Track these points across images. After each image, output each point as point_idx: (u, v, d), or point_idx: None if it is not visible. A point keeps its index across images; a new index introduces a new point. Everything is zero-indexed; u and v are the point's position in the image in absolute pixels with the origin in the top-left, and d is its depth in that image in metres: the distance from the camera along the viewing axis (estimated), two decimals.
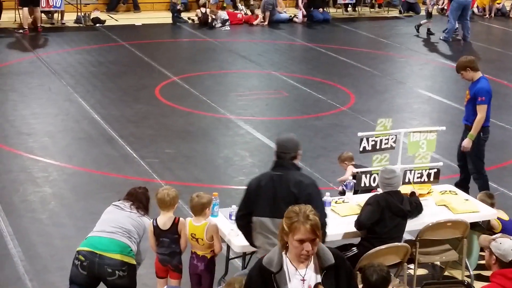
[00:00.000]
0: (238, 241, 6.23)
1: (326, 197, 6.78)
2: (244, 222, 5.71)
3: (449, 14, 18.36)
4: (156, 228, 6.19)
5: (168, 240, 6.19)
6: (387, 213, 6.29)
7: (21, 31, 17.17)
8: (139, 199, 6.35)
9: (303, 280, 4.34)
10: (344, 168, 8.23)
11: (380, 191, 6.55)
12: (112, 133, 10.94)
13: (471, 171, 8.54)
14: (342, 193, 7.78)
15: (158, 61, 15.23)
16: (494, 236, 5.21)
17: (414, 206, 6.52)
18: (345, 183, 7.66)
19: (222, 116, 11.93)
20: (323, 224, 5.03)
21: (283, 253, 4.37)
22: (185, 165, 9.95)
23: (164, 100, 12.70)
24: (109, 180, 9.34)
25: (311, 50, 17.13)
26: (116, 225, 6.11)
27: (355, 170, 7.67)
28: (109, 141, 10.65)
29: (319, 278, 4.38)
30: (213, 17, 19.05)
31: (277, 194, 5.46)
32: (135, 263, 6.14)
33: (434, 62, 16.41)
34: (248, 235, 5.74)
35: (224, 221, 6.55)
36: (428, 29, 18.83)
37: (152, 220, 6.23)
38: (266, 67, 15.25)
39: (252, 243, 5.76)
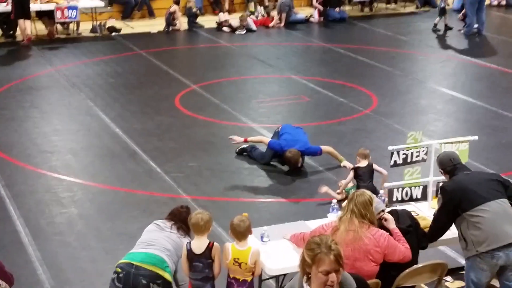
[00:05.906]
0: (270, 263, 6.17)
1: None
2: None
3: (466, 9, 18.17)
4: (189, 252, 6.11)
5: (201, 265, 6.10)
6: None
7: (24, 41, 17.10)
8: (181, 219, 6.37)
9: None
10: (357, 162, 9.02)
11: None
12: (135, 148, 10.85)
13: None
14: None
15: (176, 69, 15.13)
16: None
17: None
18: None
19: (244, 125, 11.80)
20: None
21: (304, 282, 4.34)
22: (210, 179, 9.84)
23: (184, 110, 12.60)
24: (135, 198, 9.26)
25: (330, 51, 16.95)
26: (155, 243, 6.17)
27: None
28: (132, 156, 10.56)
29: None
30: (240, 25, 18.81)
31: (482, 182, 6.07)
32: (171, 280, 6.14)
33: (455, 58, 16.19)
34: None
35: (255, 242, 6.43)
36: (446, 25, 18.57)
37: (186, 243, 6.16)
38: (286, 71, 15.11)
39: None
